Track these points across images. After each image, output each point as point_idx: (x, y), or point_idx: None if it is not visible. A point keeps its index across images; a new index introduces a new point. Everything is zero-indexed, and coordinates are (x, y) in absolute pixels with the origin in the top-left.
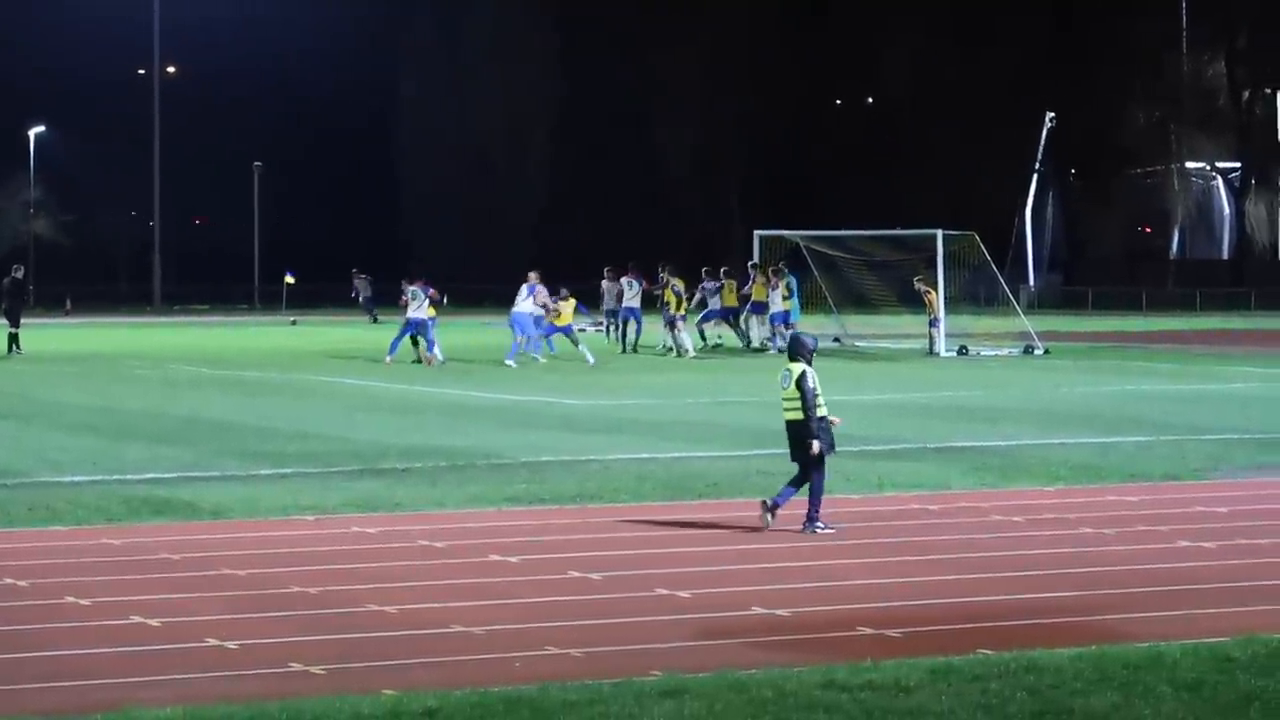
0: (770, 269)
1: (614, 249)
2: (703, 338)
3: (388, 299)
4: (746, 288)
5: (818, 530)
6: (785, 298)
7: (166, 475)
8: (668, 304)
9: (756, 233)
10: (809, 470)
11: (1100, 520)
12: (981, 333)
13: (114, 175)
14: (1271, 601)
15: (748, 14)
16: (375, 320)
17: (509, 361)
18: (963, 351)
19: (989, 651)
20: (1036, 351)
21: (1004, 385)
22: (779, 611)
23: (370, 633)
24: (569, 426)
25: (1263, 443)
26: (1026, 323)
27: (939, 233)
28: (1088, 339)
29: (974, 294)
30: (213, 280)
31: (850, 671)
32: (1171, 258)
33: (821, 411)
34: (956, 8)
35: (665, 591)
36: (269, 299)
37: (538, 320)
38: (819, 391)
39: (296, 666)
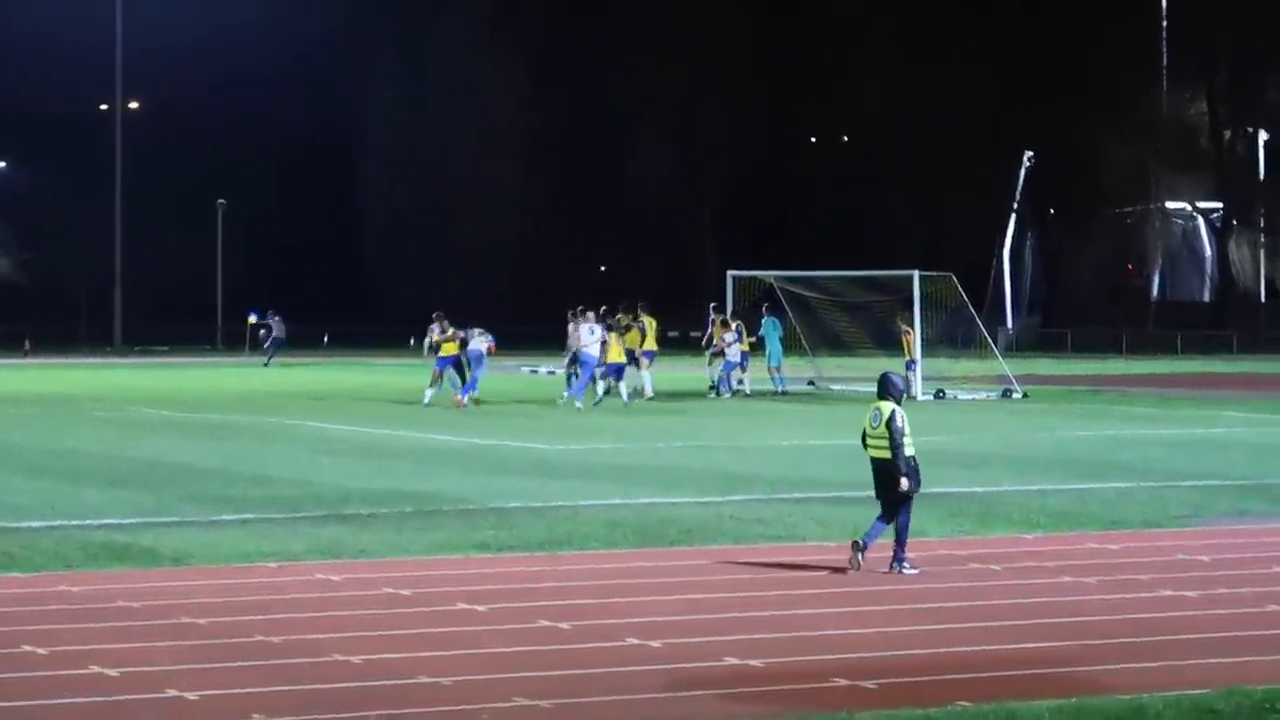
0: (720, 319)
1: (588, 286)
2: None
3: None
4: (707, 335)
5: (905, 571)
6: (733, 343)
7: (126, 520)
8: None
9: (729, 273)
10: (896, 508)
11: (1080, 569)
12: (959, 375)
13: (74, 212)
14: (1255, 652)
15: (720, 51)
16: (268, 363)
17: (578, 404)
18: (939, 395)
19: (967, 703)
20: (1015, 395)
21: (981, 429)
22: (752, 662)
23: (334, 683)
24: (539, 471)
25: (1245, 489)
26: (1004, 365)
27: (915, 274)
28: (1067, 382)
29: (951, 336)
30: (175, 320)
31: None
32: (1152, 299)
33: (910, 450)
34: (933, 45)
35: (636, 641)
36: (232, 340)
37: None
38: (907, 431)
39: (259, 718)
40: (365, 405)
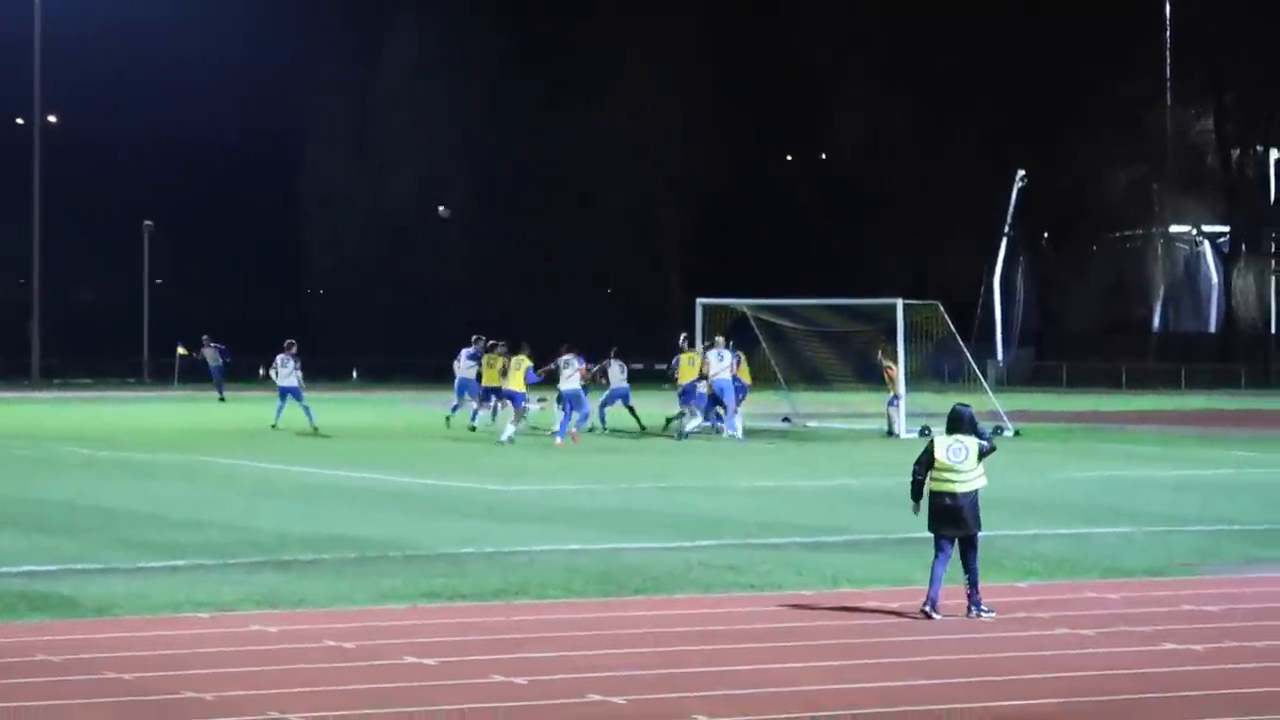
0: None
1: (541, 322)
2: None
3: (232, 373)
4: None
5: (984, 615)
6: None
7: (45, 568)
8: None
9: (700, 301)
10: (965, 550)
11: (1077, 620)
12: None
13: None
14: (1266, 711)
15: (686, 68)
16: (222, 399)
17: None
18: (925, 432)
19: None
20: (1006, 433)
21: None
22: None
23: None
24: (493, 515)
25: (1254, 534)
26: (995, 401)
27: (899, 302)
28: (1062, 419)
29: (938, 369)
30: (97, 352)
31: None
32: (1153, 331)
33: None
34: (918, 58)
35: (598, 697)
36: (160, 372)
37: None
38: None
39: None
40: (305, 443)
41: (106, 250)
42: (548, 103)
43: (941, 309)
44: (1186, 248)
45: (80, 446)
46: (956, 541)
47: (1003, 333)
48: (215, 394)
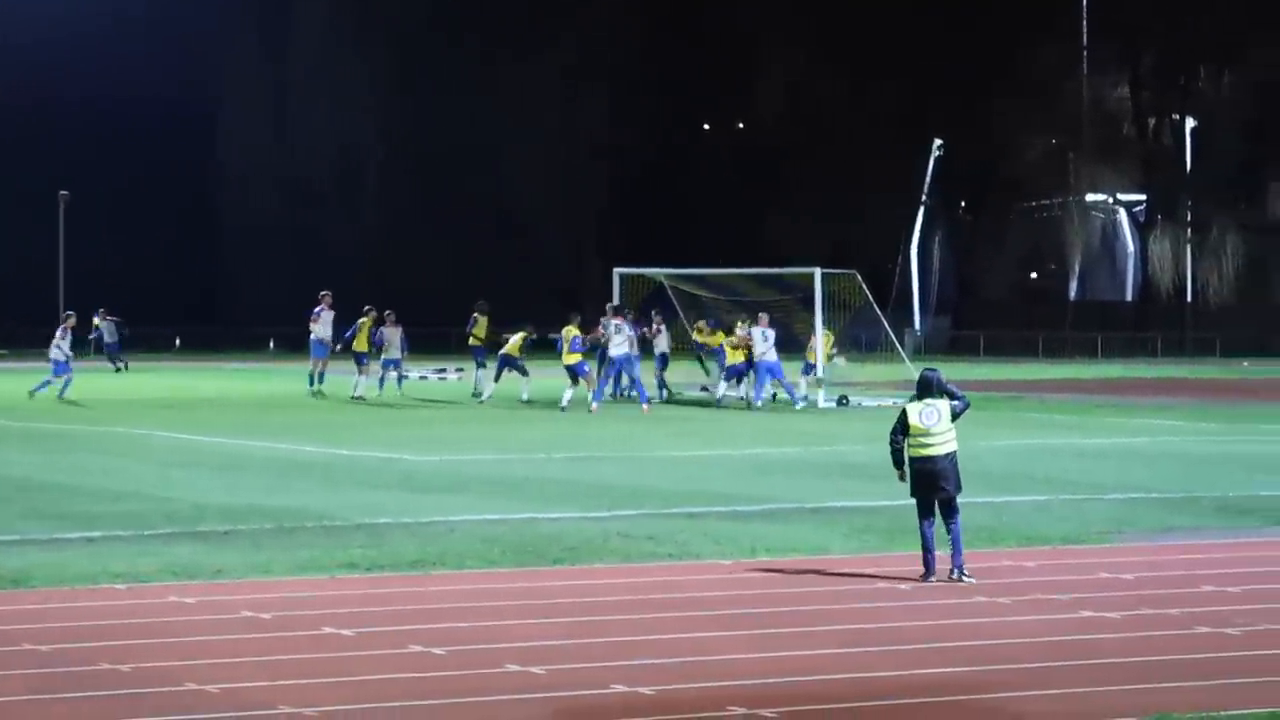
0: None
1: (459, 288)
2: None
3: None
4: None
5: (966, 580)
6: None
7: None
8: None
9: (616, 270)
10: (946, 512)
11: (995, 588)
12: (863, 381)
13: None
14: (1182, 678)
15: (606, 34)
16: (122, 368)
17: (644, 407)
18: (843, 402)
19: None
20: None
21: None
22: (642, 689)
23: (190, 714)
24: (410, 485)
25: (1171, 502)
26: (912, 370)
27: (817, 271)
28: (979, 388)
29: (855, 339)
30: (12, 322)
31: None
32: (1070, 300)
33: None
34: (836, 27)
35: (517, 668)
36: (75, 343)
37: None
38: None
39: None
40: (220, 413)
41: (20, 221)
42: (466, 69)
43: (859, 278)
44: (1103, 216)
45: None
46: (937, 508)
47: (920, 302)
48: (110, 365)
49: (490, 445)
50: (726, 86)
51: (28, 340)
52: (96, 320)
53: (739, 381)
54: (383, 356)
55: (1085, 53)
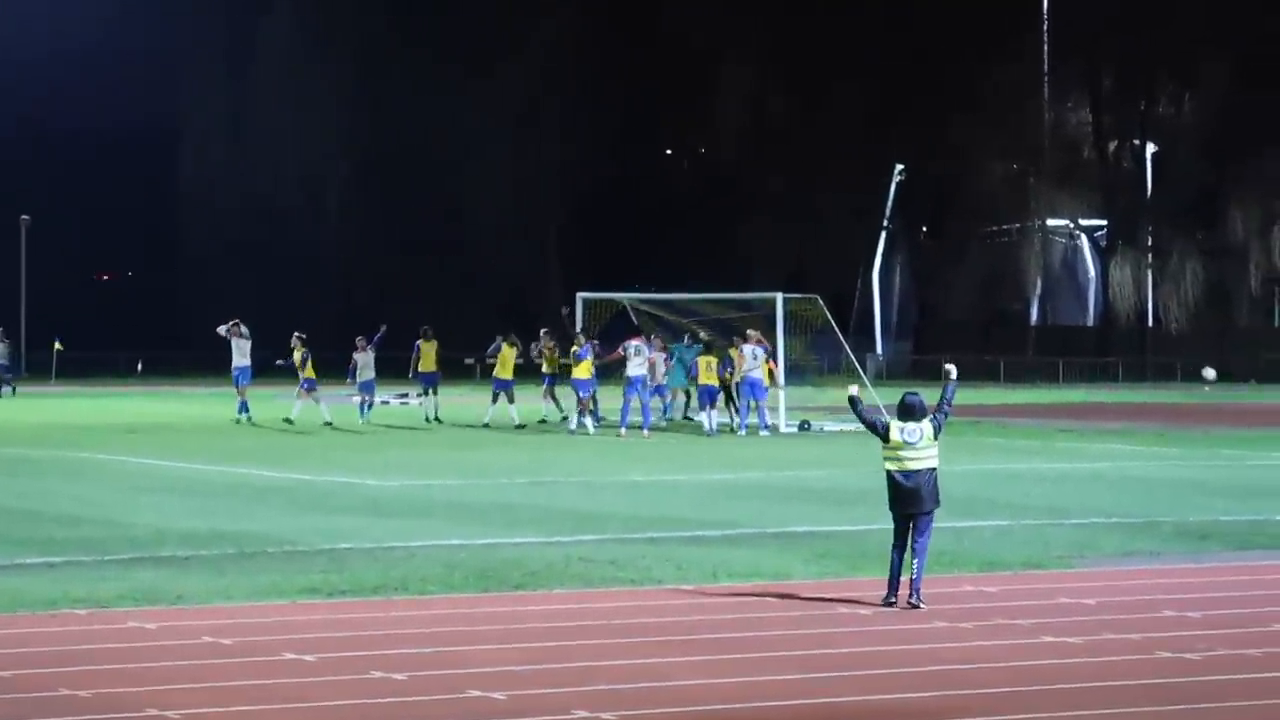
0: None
1: (420, 311)
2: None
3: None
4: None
5: (921, 606)
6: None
7: None
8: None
9: (579, 295)
10: (920, 531)
11: (955, 614)
12: (825, 405)
13: None
14: (1144, 703)
15: (567, 53)
16: (12, 392)
17: (621, 431)
18: (804, 426)
19: None
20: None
21: (850, 463)
22: (603, 715)
23: None
24: (372, 510)
25: (1132, 527)
26: (875, 394)
27: (779, 296)
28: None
29: (817, 363)
30: None
31: None
32: (1031, 324)
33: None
34: (797, 49)
35: (478, 693)
36: (36, 367)
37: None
38: None
39: None
40: (184, 437)
41: None
42: (426, 89)
43: (821, 302)
44: (1064, 241)
45: None
46: (912, 523)
47: (881, 326)
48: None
49: (452, 470)
50: (685, 107)
51: None
52: None
53: (712, 405)
54: (358, 380)
55: (1046, 78)
